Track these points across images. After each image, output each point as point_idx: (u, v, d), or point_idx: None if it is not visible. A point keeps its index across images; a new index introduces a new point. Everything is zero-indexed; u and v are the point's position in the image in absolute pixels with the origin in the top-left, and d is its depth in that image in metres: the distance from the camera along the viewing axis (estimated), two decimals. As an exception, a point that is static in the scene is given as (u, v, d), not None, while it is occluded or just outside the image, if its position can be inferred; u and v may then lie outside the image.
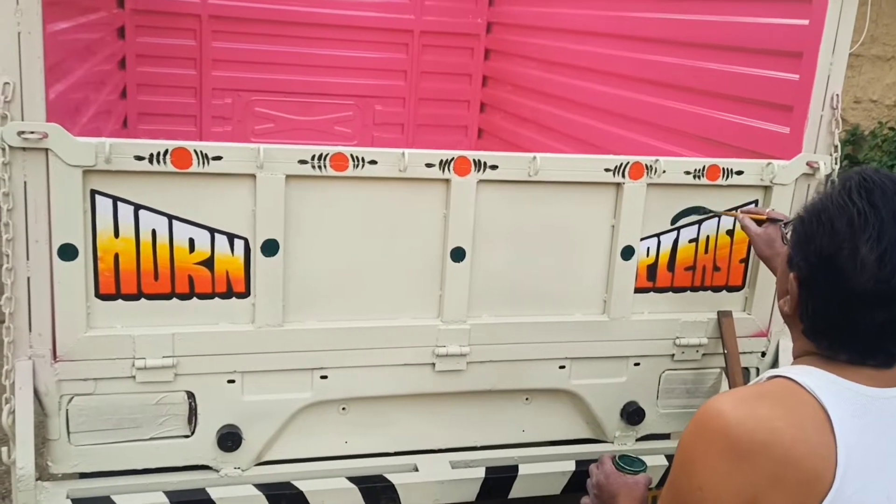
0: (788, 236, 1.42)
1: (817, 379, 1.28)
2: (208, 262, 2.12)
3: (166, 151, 1.99)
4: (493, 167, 2.23)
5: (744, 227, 2.37)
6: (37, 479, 2.02)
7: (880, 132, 6.77)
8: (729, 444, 1.24)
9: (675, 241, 2.47)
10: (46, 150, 1.91)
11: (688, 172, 2.39)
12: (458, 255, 2.27)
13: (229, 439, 2.22)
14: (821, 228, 1.29)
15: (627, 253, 2.40)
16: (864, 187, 1.28)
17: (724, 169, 2.41)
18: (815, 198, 1.36)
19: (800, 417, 1.24)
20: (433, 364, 2.33)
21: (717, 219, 2.48)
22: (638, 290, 2.46)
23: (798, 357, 1.40)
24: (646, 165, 2.34)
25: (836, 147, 2.48)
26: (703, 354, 2.57)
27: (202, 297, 2.14)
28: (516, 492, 2.46)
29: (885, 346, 1.29)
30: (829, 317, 1.30)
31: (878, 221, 1.24)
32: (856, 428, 1.24)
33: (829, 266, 1.27)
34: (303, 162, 2.09)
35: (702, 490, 1.27)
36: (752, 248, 2.43)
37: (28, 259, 1.98)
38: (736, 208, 2.46)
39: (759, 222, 2.32)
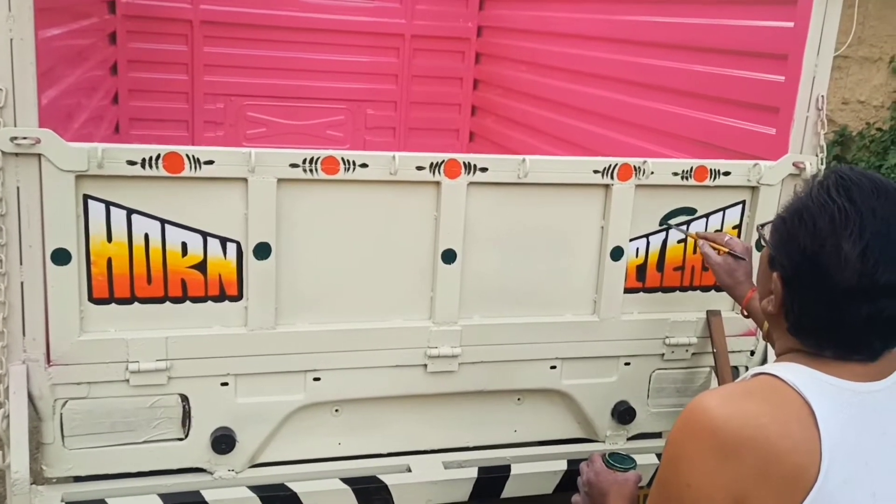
0: (767, 236, 1.43)
1: (802, 375, 1.29)
2: (201, 266, 2.13)
3: (158, 156, 2.00)
4: (483, 169, 2.25)
5: (703, 255, 2.38)
6: (31, 483, 2.02)
7: (868, 133, 6.80)
8: (716, 442, 1.25)
9: (664, 242, 2.49)
10: (39, 155, 1.92)
11: (676, 174, 2.41)
12: (448, 256, 2.28)
13: (223, 442, 2.23)
14: (802, 227, 1.30)
15: (617, 254, 2.42)
16: (842, 185, 1.29)
17: (711, 170, 2.43)
18: (795, 197, 1.38)
19: (785, 413, 1.25)
20: (425, 365, 2.35)
21: (705, 218, 2.50)
22: (627, 291, 2.48)
23: (781, 355, 1.41)
24: (634, 167, 2.36)
25: (821, 148, 2.50)
26: (693, 353, 2.59)
27: (195, 300, 2.15)
28: (509, 491, 2.47)
29: (870, 340, 1.30)
30: (815, 313, 1.31)
31: (858, 217, 1.26)
32: (839, 423, 1.25)
33: (813, 263, 1.29)
34: (294, 165, 2.10)
35: (690, 487, 1.28)
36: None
37: (21, 264, 1.98)
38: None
39: (718, 250, 2.33)
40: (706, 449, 1.26)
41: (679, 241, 2.51)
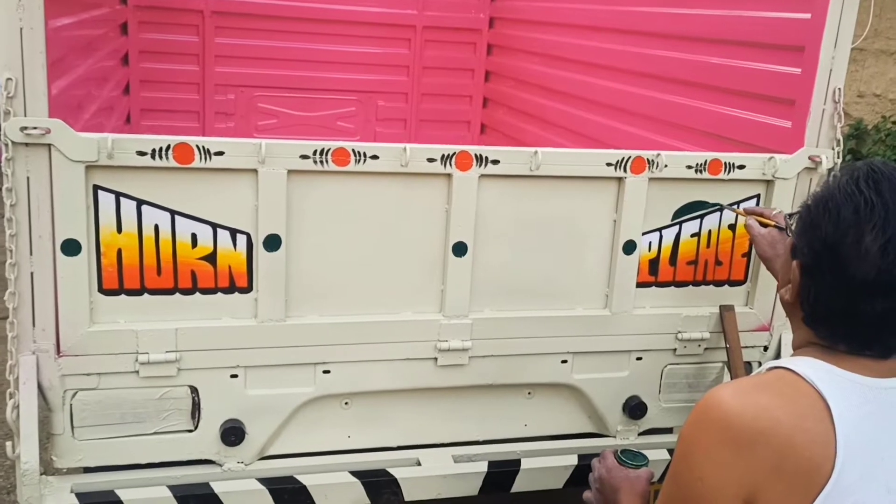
0: (793, 227, 1.42)
1: (817, 369, 1.29)
2: (211, 257, 2.12)
3: (168, 147, 1.99)
4: (495, 162, 2.23)
5: (747, 227, 2.35)
6: (41, 474, 2.03)
7: (884, 126, 6.75)
8: (729, 435, 1.25)
9: (677, 236, 2.47)
10: (49, 145, 1.92)
11: (689, 167, 2.39)
12: (459, 249, 2.27)
13: (232, 434, 2.23)
14: (826, 215, 1.30)
15: (629, 247, 2.40)
16: (872, 178, 1.28)
17: (725, 163, 2.41)
18: (823, 186, 1.37)
19: (799, 407, 1.25)
20: (435, 359, 2.34)
21: (719, 213, 2.48)
22: (640, 285, 2.46)
23: (798, 348, 1.40)
24: (647, 160, 2.34)
25: (838, 141, 2.47)
26: (705, 349, 2.57)
27: (205, 291, 2.14)
28: (518, 486, 2.47)
29: (883, 336, 1.29)
30: (830, 304, 1.31)
31: (883, 211, 1.25)
32: (855, 418, 1.24)
33: (833, 253, 1.28)
34: (304, 157, 2.09)
35: (702, 481, 1.27)
36: (752, 246, 2.43)
37: (31, 254, 1.98)
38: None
39: (763, 224, 2.32)
40: (719, 442, 1.26)
41: (702, 231, 2.48)
